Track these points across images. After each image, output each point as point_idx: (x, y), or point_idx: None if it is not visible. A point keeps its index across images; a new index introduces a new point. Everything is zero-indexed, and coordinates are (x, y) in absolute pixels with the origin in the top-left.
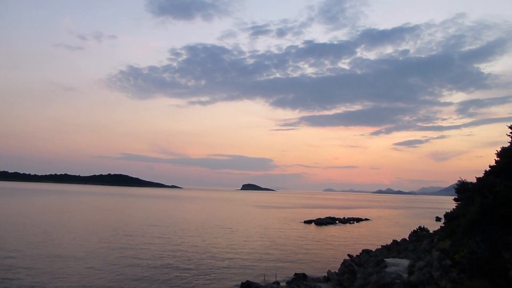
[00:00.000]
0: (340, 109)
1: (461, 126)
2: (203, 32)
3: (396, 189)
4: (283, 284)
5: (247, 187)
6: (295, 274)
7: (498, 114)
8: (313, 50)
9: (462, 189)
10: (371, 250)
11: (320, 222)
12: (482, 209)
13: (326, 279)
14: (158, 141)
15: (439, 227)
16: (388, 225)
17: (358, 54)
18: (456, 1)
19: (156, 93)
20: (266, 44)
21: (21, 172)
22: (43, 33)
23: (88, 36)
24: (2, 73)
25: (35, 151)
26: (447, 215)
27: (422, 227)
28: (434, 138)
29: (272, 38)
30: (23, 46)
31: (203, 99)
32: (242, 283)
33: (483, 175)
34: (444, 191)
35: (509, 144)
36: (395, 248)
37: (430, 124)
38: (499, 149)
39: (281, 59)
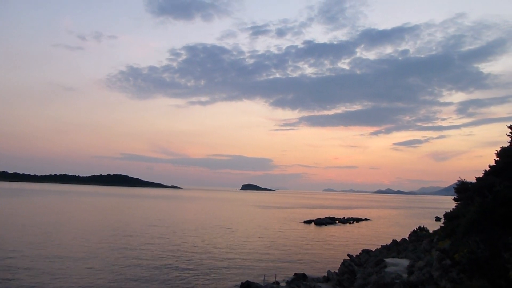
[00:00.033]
0: (340, 109)
1: (461, 126)
2: (203, 32)
3: (396, 189)
4: (283, 284)
5: (247, 187)
6: (295, 274)
7: (498, 114)
8: (313, 50)
9: (462, 189)
10: (371, 250)
11: (320, 222)
12: (482, 209)
13: (326, 279)
14: (158, 141)
15: (438, 227)
16: (388, 225)
17: (358, 54)
18: (456, 1)
19: (156, 93)
20: (266, 44)
21: (21, 172)
22: (43, 33)
23: (88, 36)
24: (2, 73)
25: (35, 151)
26: (446, 215)
27: (422, 227)
28: (433, 138)
29: (272, 38)
30: (23, 46)
31: (203, 99)
32: (242, 283)
33: (482, 175)
34: (443, 191)
35: (508, 144)
36: (395, 248)
37: (430, 124)
38: (498, 149)
39: (280, 59)
